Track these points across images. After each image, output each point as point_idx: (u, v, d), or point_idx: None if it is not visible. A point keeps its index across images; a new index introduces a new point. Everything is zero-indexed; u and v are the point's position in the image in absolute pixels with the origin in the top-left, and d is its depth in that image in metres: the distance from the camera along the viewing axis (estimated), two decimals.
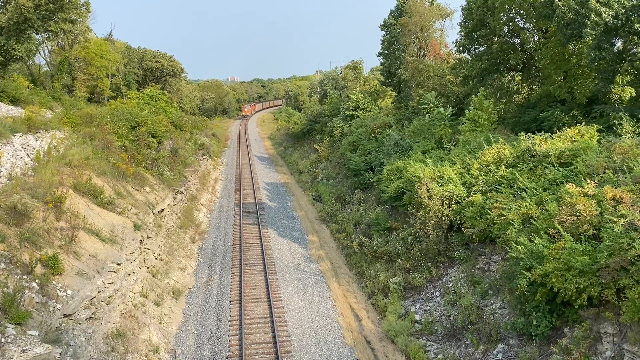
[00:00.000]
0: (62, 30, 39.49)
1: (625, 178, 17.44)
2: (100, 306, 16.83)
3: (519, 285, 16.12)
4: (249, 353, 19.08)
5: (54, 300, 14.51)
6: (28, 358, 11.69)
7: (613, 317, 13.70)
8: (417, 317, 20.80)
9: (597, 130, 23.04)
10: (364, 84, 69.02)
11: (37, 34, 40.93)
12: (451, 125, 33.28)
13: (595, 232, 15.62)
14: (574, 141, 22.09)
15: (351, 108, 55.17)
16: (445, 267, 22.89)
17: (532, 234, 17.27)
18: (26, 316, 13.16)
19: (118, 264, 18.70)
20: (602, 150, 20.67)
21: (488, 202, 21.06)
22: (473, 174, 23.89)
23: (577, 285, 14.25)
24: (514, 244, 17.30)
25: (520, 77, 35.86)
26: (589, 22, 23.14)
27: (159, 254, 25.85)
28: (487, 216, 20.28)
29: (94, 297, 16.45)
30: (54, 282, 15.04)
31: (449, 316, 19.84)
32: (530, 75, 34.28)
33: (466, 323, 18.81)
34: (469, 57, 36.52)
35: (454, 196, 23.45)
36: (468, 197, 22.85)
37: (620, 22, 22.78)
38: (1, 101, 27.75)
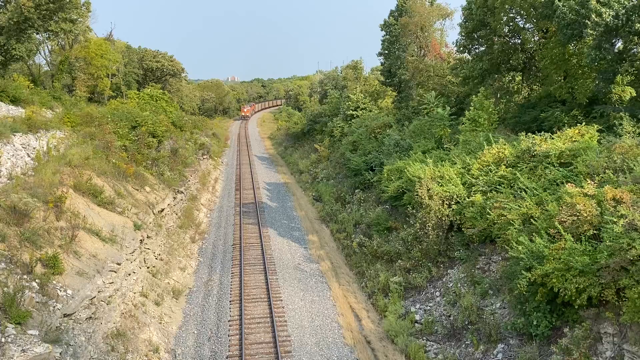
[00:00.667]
0: (63, 30, 39.42)
1: (626, 178, 17.41)
2: (100, 306, 16.82)
3: (519, 285, 16.13)
4: (249, 353, 19.08)
5: (54, 300, 14.48)
6: (28, 358, 11.68)
7: (613, 317, 13.70)
8: (417, 317, 20.81)
9: (598, 131, 23.01)
10: (364, 84, 69.05)
11: (37, 33, 40.84)
12: (451, 125, 33.29)
13: (595, 232, 15.60)
14: (574, 141, 22.07)
15: (351, 108, 55.20)
16: (446, 267, 22.89)
17: (533, 234, 17.25)
18: (26, 316, 13.13)
19: (118, 264, 18.69)
20: (602, 151, 20.63)
21: (488, 202, 21.04)
22: (473, 174, 23.89)
23: (577, 286, 14.25)
24: (514, 244, 17.28)
25: (520, 77, 35.87)
26: (589, 22, 23.16)
27: (159, 254, 25.85)
28: (488, 216, 20.27)
29: (94, 297, 16.43)
30: (54, 282, 15.02)
31: (449, 316, 19.84)
32: (531, 76, 34.29)
33: (466, 323, 18.81)
34: (469, 57, 36.56)
35: (454, 196, 23.46)
36: (468, 197, 22.85)
37: (620, 22, 22.78)
38: (1, 101, 27.74)
